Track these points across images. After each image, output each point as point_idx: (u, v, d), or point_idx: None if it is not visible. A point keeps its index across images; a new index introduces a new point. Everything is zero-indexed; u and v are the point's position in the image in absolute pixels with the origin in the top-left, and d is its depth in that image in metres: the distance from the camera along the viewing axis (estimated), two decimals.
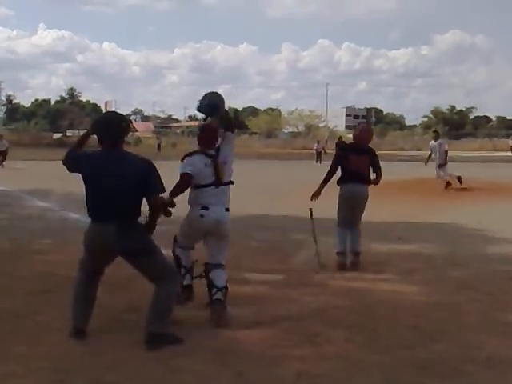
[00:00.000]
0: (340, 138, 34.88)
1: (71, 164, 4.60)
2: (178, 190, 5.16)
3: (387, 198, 14.37)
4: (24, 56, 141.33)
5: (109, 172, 4.36)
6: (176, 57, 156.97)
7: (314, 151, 37.12)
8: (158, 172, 4.46)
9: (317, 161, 34.27)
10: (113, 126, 4.48)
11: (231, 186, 5.27)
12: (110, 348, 4.31)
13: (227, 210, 5.23)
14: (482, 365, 4.06)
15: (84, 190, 4.51)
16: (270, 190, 16.42)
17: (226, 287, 5.09)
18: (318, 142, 38.34)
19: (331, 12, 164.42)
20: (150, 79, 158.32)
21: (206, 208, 5.14)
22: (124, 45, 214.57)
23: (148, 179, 4.40)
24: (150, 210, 4.48)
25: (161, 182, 4.45)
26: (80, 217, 9.11)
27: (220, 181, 5.18)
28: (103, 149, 4.47)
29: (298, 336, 4.56)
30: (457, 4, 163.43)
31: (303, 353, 4.24)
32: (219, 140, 5.27)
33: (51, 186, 15.30)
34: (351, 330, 4.70)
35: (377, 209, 12.46)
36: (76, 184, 6.13)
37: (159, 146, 52.04)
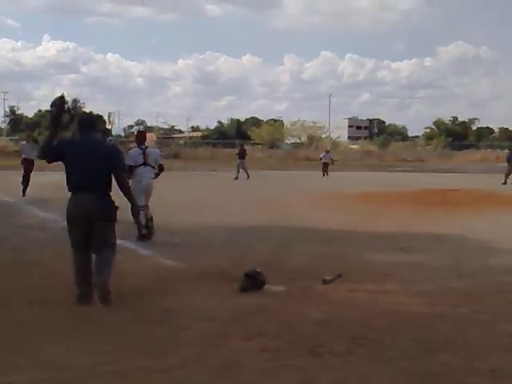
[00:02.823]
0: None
1: (55, 154, 5.73)
2: (129, 172, 8.74)
3: (389, 209, 14.36)
4: (28, 67, 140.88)
5: (89, 153, 5.64)
6: (180, 68, 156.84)
7: (320, 162, 31.88)
8: (121, 155, 5.97)
9: (324, 174, 30.36)
10: (94, 120, 6.28)
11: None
12: (113, 359, 4.29)
13: (153, 178, 9.81)
14: (486, 377, 4.03)
15: (65, 170, 5.68)
16: (272, 201, 16.40)
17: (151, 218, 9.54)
18: (327, 152, 33.00)
19: (334, 23, 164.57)
20: (154, 90, 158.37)
21: (140, 177, 9.55)
22: (128, 56, 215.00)
23: (114, 160, 5.73)
24: (117, 183, 5.74)
25: (123, 163, 6.05)
26: None
27: (146, 162, 9.66)
28: (83, 136, 5.80)
29: (300, 347, 4.53)
30: (461, 16, 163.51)
31: (305, 364, 4.21)
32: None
33: (52, 196, 15.30)
34: (354, 342, 4.67)
35: (379, 219, 12.48)
36: None
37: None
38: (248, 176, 27.55)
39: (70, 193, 5.69)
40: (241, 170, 27.80)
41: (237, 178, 27.21)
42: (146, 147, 9.87)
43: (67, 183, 5.68)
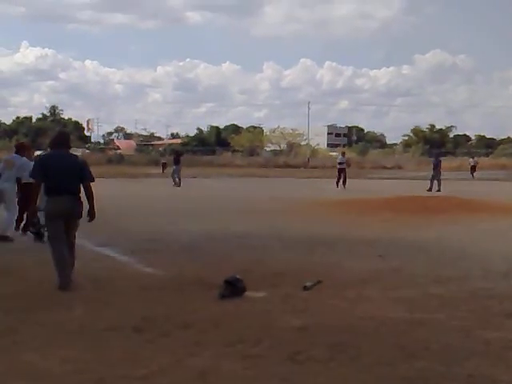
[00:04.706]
0: None
1: (42, 176, 6.69)
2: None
3: (368, 216, 14.45)
4: (6, 74, 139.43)
5: (62, 164, 6.70)
6: (159, 75, 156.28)
7: (337, 168, 27.39)
8: (88, 167, 6.92)
9: (338, 181, 26.54)
10: (66, 137, 7.15)
11: None
12: (90, 367, 4.25)
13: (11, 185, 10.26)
14: (464, 382, 4.06)
15: (45, 178, 6.63)
16: (254, 208, 16.40)
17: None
18: (343, 154, 28.87)
19: (314, 31, 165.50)
20: (133, 97, 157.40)
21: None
22: (107, 63, 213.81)
23: (83, 171, 6.81)
24: (84, 189, 6.74)
25: (90, 173, 6.86)
26: None
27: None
28: (56, 151, 6.85)
29: (281, 354, 4.53)
30: (438, 24, 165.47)
31: (285, 370, 4.22)
32: None
33: None
34: (334, 348, 4.68)
35: (358, 226, 12.54)
36: None
37: (164, 165, 40.01)
38: (177, 184, 26.64)
39: (48, 196, 6.72)
40: (176, 177, 26.86)
41: (176, 184, 26.67)
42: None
43: (46, 188, 6.70)
